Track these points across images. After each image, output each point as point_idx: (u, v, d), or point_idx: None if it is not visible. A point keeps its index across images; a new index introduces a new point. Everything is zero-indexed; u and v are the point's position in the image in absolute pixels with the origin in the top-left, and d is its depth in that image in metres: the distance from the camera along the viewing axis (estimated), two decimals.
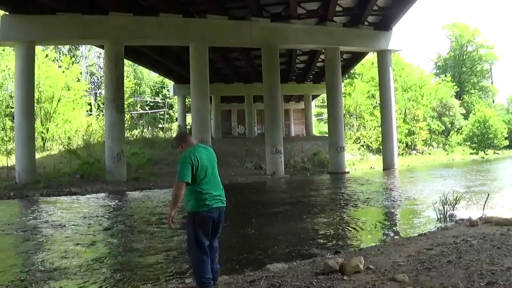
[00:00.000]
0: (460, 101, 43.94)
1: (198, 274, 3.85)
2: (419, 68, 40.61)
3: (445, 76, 43.59)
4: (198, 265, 3.83)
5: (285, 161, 19.78)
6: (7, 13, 16.17)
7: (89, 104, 34.72)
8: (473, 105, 44.45)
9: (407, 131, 31.80)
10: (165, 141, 26.51)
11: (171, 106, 45.27)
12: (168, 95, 43.86)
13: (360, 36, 20.50)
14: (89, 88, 37.21)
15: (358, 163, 24.57)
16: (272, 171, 18.57)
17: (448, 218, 7.70)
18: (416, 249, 5.12)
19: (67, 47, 38.64)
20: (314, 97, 44.48)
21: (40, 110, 23.12)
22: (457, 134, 38.89)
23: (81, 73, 33.90)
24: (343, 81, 29.16)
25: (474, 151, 35.53)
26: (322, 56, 24.24)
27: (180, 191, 3.75)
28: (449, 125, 39.23)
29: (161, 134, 31.95)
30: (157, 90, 47.18)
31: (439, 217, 7.81)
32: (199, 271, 3.83)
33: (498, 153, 35.96)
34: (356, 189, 14.14)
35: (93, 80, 43.25)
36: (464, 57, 50.13)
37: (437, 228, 7.09)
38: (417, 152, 32.10)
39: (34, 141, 17.06)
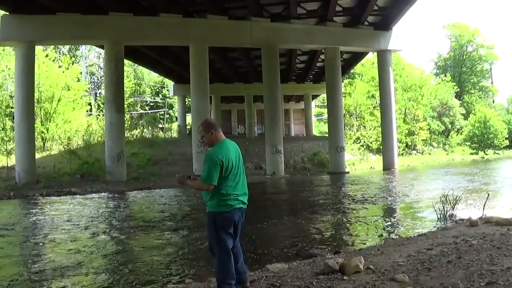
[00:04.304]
0: (460, 101, 43.92)
1: (220, 278, 3.64)
2: (419, 68, 40.64)
3: (445, 76, 43.59)
4: (221, 269, 3.62)
5: (285, 161, 19.78)
6: (7, 13, 16.16)
7: (89, 104, 34.68)
8: (473, 105, 44.39)
9: (407, 131, 31.78)
10: (165, 141, 26.55)
11: (171, 106, 45.26)
12: (168, 95, 43.86)
13: (360, 36, 20.50)
14: (89, 88, 37.19)
15: (358, 163, 24.58)
16: (272, 171, 18.57)
17: (448, 218, 7.70)
18: (416, 249, 5.12)
19: (67, 47, 38.60)
20: (314, 97, 44.48)
21: (40, 110, 23.09)
22: (457, 134, 38.87)
23: (81, 73, 33.88)
24: (343, 81, 29.15)
25: (474, 151, 35.50)
26: (322, 56, 24.23)
27: (202, 190, 3.69)
28: (449, 125, 39.22)
29: (161, 134, 31.95)
30: (157, 90, 47.17)
31: (439, 217, 7.81)
32: (222, 275, 3.62)
33: (498, 153, 35.93)
34: (356, 189, 14.13)
35: (93, 80, 43.23)
36: (464, 57, 50.07)
37: (437, 228, 7.10)
38: (417, 152, 32.09)
39: (34, 141, 17.06)
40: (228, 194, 3.59)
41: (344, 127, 22.80)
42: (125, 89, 21.94)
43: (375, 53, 23.35)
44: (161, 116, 43.93)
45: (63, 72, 25.67)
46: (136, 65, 38.18)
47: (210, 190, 3.58)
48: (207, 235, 3.78)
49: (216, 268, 3.69)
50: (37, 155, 17.73)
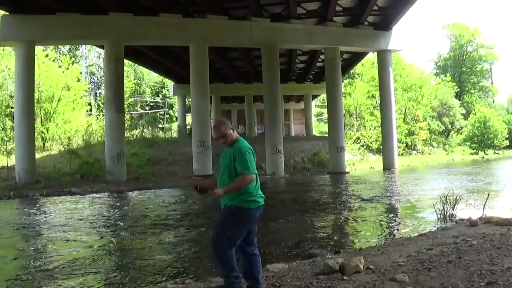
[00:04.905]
0: (460, 101, 43.93)
1: (226, 271, 3.47)
2: (419, 68, 40.65)
3: (445, 76, 43.60)
4: (225, 260, 3.45)
5: (285, 161, 19.78)
6: (7, 13, 16.18)
7: (89, 104, 34.69)
8: (473, 105, 44.42)
9: (407, 131, 31.79)
10: (165, 141, 26.55)
11: (171, 106, 45.26)
12: (168, 95, 43.87)
13: (360, 36, 20.51)
14: (89, 88, 37.18)
15: (358, 163, 24.57)
16: (272, 171, 18.57)
17: (448, 218, 7.70)
18: (416, 249, 5.12)
19: (67, 47, 38.61)
20: (314, 97, 44.47)
21: (40, 110, 23.10)
22: (457, 134, 38.89)
23: (81, 73, 33.88)
24: (343, 81, 29.16)
25: (474, 151, 35.53)
26: (322, 56, 24.24)
27: (247, 184, 3.47)
28: (449, 125, 39.23)
29: (161, 134, 31.95)
30: (157, 90, 47.18)
31: (439, 217, 7.81)
32: (226, 267, 3.46)
33: (498, 153, 35.96)
34: (356, 189, 14.14)
35: (93, 80, 43.22)
36: (464, 57, 50.08)
37: (437, 228, 7.09)
38: (417, 152, 32.09)
39: (34, 141, 17.06)
40: (254, 190, 3.55)
41: (344, 127, 22.80)
42: (125, 89, 21.94)
43: (375, 53, 23.35)
44: (161, 116, 43.94)
45: (63, 72, 25.68)
46: (136, 65, 38.18)
47: (253, 179, 3.49)
48: (218, 228, 3.56)
49: (220, 262, 3.52)
50: (37, 155, 17.73)
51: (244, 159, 3.48)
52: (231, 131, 3.61)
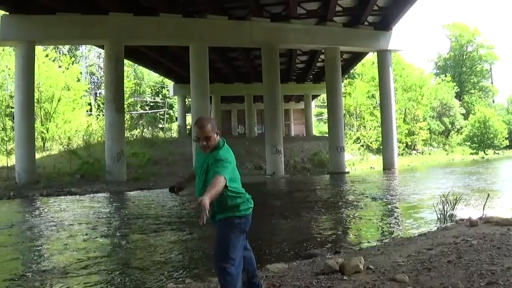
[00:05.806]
0: (460, 101, 43.93)
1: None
2: (419, 68, 40.65)
3: (445, 76, 43.60)
4: (233, 283, 3.05)
5: (285, 161, 19.78)
6: (7, 13, 16.18)
7: (89, 104, 34.69)
8: (473, 105, 44.41)
9: (407, 131, 31.80)
10: (165, 141, 26.55)
11: (171, 106, 45.25)
12: (168, 95, 43.86)
13: (360, 36, 20.50)
14: (89, 88, 37.18)
15: (358, 163, 24.57)
16: (272, 171, 18.57)
17: (448, 218, 7.69)
18: (416, 249, 5.11)
19: (67, 47, 38.60)
20: (314, 97, 44.46)
21: (40, 110, 23.11)
22: (457, 134, 38.89)
23: (81, 73, 33.87)
24: (343, 81, 29.15)
25: (474, 151, 35.53)
26: (322, 56, 24.24)
27: (223, 185, 2.89)
28: (449, 125, 39.24)
29: (161, 134, 31.95)
30: (157, 90, 47.17)
31: (439, 217, 7.80)
32: (234, 285, 3.07)
33: (498, 153, 35.95)
34: (356, 189, 14.14)
35: (93, 80, 43.21)
36: (464, 57, 50.06)
37: (437, 228, 7.09)
38: (417, 152, 32.09)
39: (34, 141, 17.06)
40: (245, 194, 3.25)
41: (344, 127, 22.80)
42: (125, 89, 21.93)
43: (375, 53, 23.35)
44: (161, 116, 43.93)
45: (63, 72, 25.69)
46: (136, 65, 38.18)
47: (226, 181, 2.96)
48: (221, 243, 3.13)
49: (226, 282, 3.07)
50: (37, 155, 17.72)
51: (225, 162, 3.01)
52: (216, 134, 3.12)
